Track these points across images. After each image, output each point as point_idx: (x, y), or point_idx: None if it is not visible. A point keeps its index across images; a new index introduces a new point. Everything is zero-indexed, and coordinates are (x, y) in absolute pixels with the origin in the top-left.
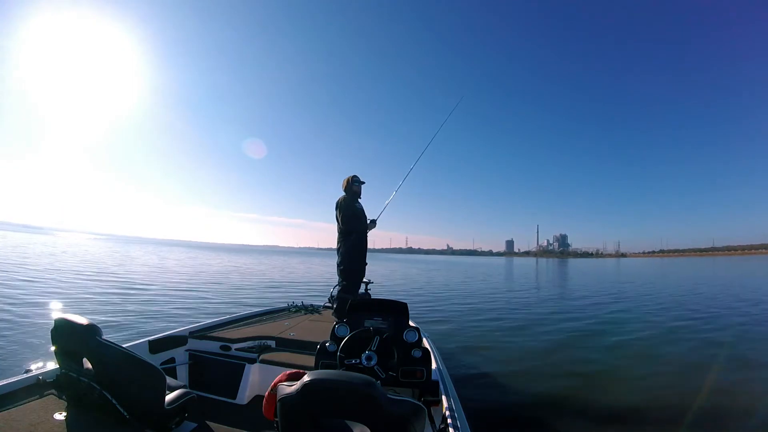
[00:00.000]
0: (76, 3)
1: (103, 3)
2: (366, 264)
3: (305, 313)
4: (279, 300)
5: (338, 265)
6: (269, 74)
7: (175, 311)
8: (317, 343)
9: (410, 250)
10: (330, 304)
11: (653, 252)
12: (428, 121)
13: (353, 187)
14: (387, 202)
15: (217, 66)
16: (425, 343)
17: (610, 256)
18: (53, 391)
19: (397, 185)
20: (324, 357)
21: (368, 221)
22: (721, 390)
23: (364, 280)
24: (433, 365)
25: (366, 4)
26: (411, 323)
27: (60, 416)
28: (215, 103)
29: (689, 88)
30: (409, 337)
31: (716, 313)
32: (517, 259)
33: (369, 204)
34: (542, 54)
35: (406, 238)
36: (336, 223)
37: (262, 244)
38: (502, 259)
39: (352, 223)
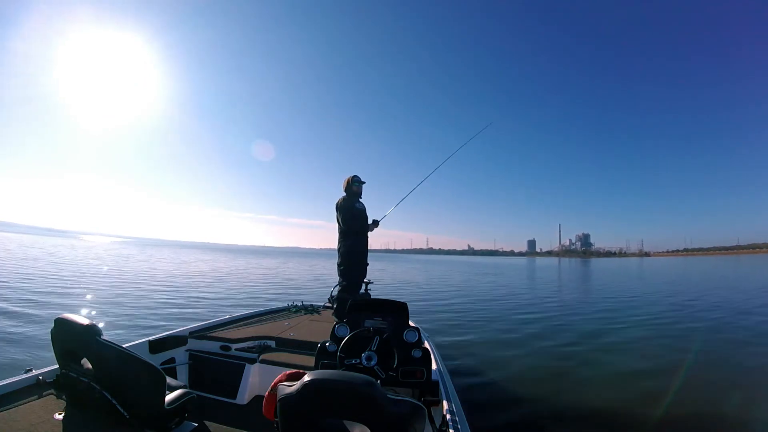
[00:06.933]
0: (98, 19)
1: (123, 20)
2: (367, 264)
3: (305, 314)
4: (279, 300)
5: (338, 266)
6: (287, 77)
7: (175, 311)
8: (317, 343)
9: (431, 251)
10: (330, 305)
11: (677, 251)
12: (441, 123)
13: (353, 187)
14: (391, 210)
15: (236, 71)
16: (425, 343)
17: (633, 255)
18: (53, 391)
19: (407, 191)
20: (324, 357)
21: (370, 221)
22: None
23: (365, 280)
24: (433, 365)
25: (378, 6)
26: (411, 323)
27: (60, 416)
28: (233, 109)
29: (713, 87)
30: (409, 337)
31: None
32: (539, 260)
33: (378, 203)
34: (562, 54)
35: (427, 239)
36: (337, 224)
37: (282, 245)
38: (523, 260)
39: (352, 223)
